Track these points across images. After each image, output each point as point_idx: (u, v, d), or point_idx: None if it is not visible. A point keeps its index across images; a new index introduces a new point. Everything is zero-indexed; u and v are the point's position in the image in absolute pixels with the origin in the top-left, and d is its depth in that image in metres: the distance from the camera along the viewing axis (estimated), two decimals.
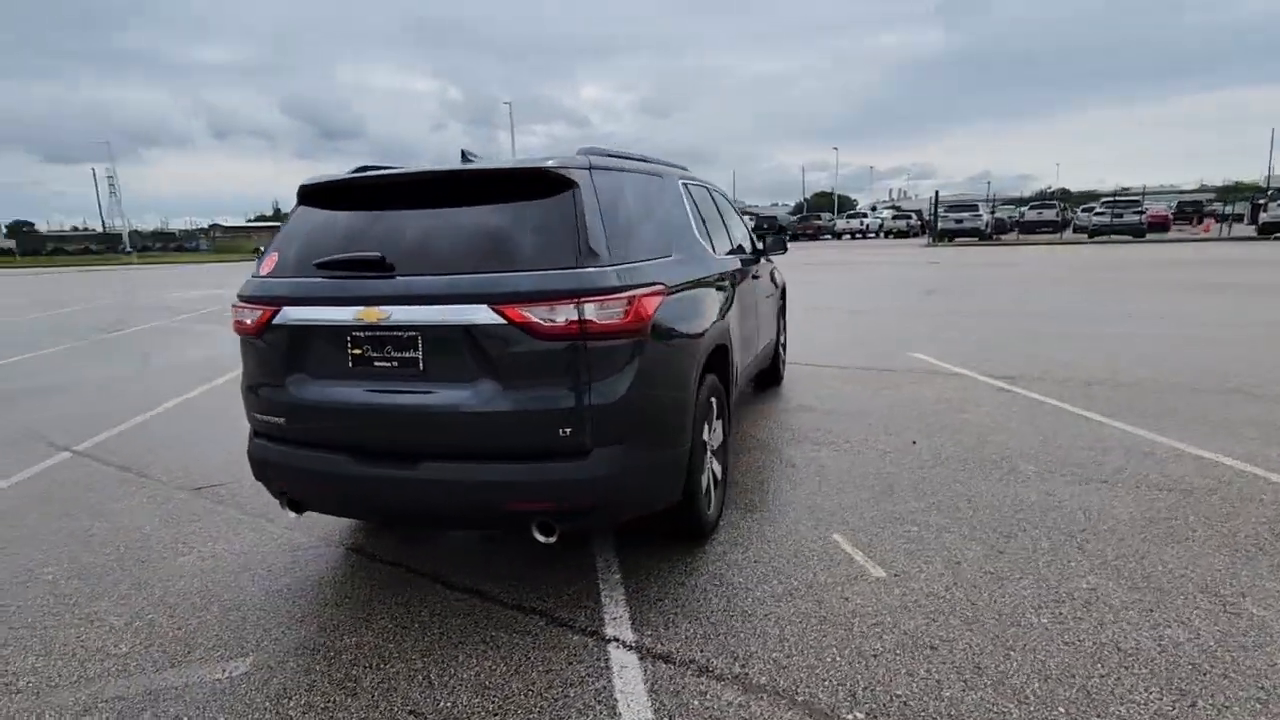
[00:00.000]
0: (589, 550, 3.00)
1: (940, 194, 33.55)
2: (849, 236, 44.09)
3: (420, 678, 2.23)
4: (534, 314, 2.23)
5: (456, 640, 2.43)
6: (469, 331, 2.29)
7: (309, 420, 2.52)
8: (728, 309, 3.37)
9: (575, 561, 2.91)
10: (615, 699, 2.10)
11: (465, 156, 3.06)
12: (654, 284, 2.53)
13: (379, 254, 2.40)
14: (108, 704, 2.17)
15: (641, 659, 2.29)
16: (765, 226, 33.93)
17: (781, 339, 5.66)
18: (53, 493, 3.98)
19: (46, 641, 2.52)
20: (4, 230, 77.16)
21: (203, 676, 2.28)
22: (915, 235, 40.28)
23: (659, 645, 2.36)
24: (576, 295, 2.25)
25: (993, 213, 34.60)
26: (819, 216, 53.79)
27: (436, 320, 2.31)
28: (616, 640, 2.40)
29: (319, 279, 2.47)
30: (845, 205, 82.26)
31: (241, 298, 2.63)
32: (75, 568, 3.06)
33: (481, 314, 2.26)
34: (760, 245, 4.86)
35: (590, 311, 2.26)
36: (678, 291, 2.73)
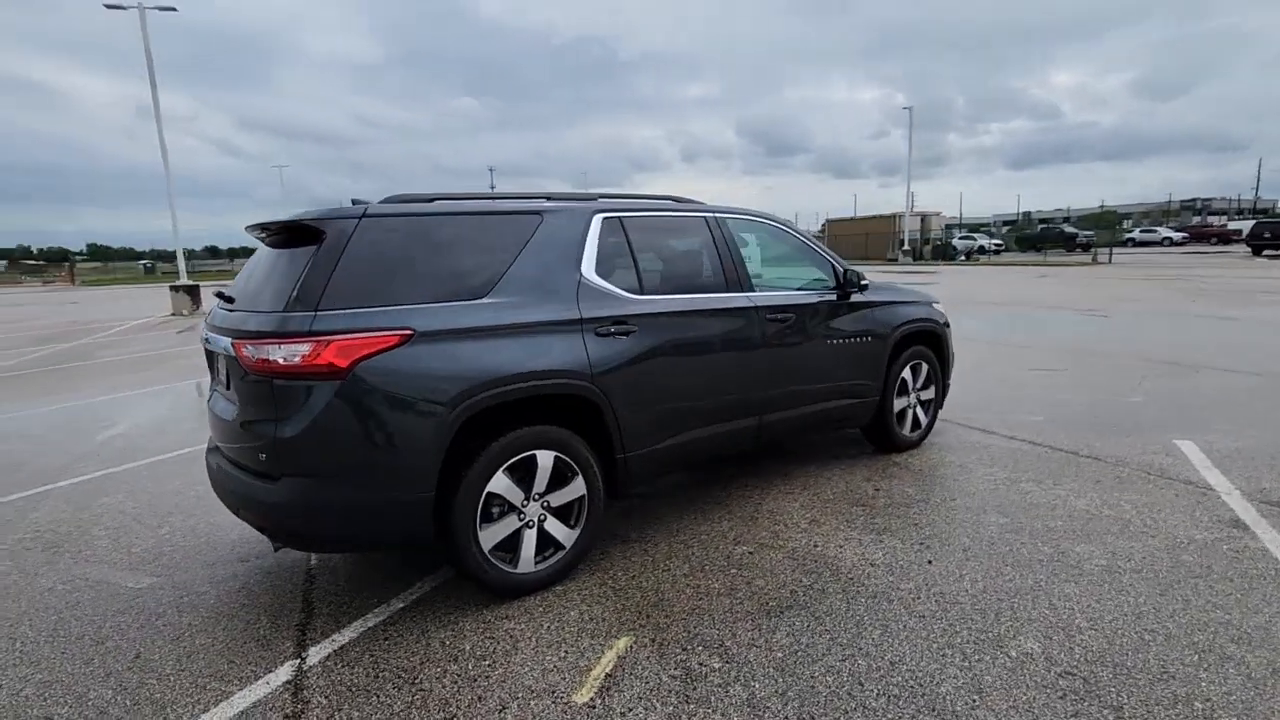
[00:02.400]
0: None
1: None
2: None
3: None
4: (244, 350, 2.58)
5: None
6: (227, 359, 2.77)
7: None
8: (629, 353, 3.17)
9: None
10: None
11: (354, 203, 3.24)
12: (379, 330, 2.59)
13: (225, 290, 3.02)
14: None
15: None
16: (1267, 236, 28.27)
17: (915, 396, 4.75)
18: None
19: None
20: None
21: None
22: None
23: None
24: (267, 337, 2.53)
25: None
26: None
27: (221, 349, 2.80)
28: None
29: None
30: None
31: None
32: None
33: (226, 345, 2.70)
34: (855, 281, 4.26)
35: (276, 352, 2.52)
36: (445, 339, 2.71)
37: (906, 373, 4.69)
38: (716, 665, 2.44)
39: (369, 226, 2.74)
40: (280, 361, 2.49)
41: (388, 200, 2.95)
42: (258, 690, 2.41)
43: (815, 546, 3.35)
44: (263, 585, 3.18)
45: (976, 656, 2.44)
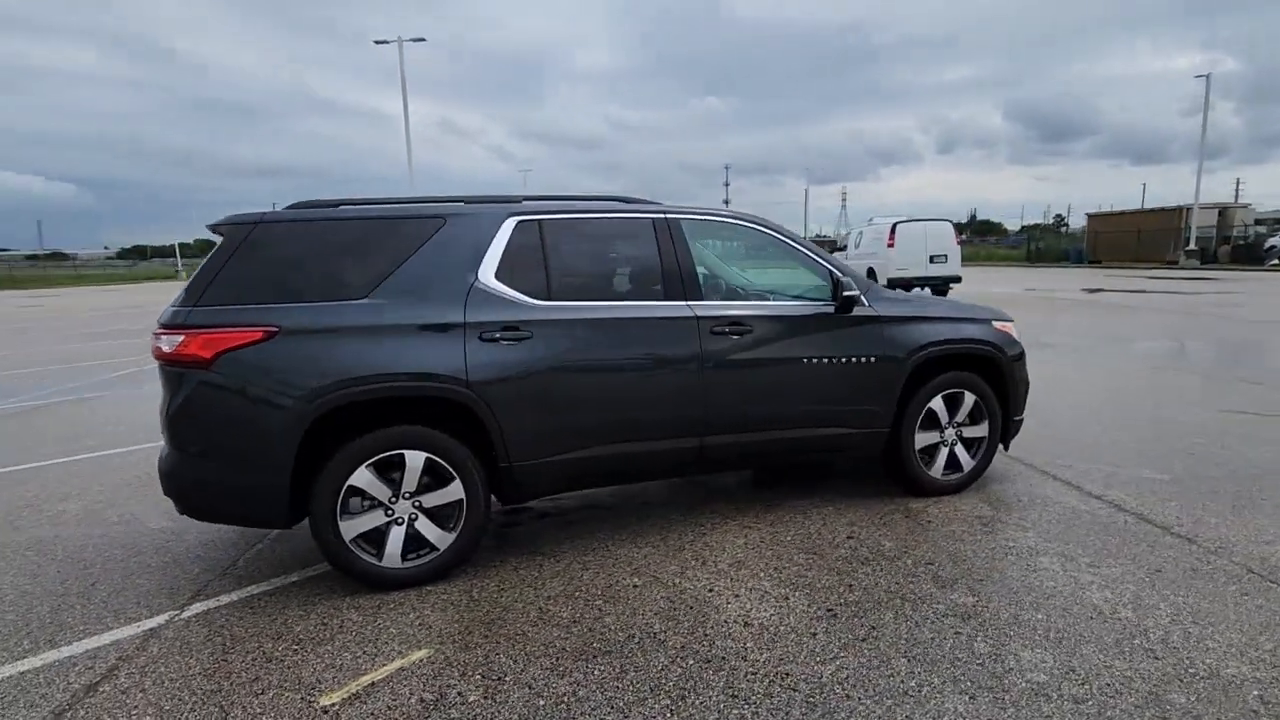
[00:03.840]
0: None
1: None
2: None
3: None
4: (152, 337, 2.94)
5: None
6: None
7: None
8: (520, 360, 3.10)
9: None
10: None
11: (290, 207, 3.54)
12: (242, 326, 2.82)
13: None
14: None
15: None
16: None
17: (954, 432, 3.96)
18: None
19: None
20: None
21: None
22: None
23: None
24: (161, 327, 2.88)
25: None
26: None
27: None
28: None
29: None
30: None
31: None
32: None
33: None
34: (852, 292, 3.62)
35: (162, 341, 2.85)
36: (309, 337, 2.88)
37: (938, 403, 3.90)
38: (474, 698, 2.30)
39: (263, 231, 3.00)
40: (165, 349, 2.84)
41: (295, 206, 3.19)
42: (126, 630, 2.80)
43: (708, 591, 2.97)
44: (210, 540, 3.64)
45: None
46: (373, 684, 2.40)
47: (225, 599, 3.04)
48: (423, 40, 21.40)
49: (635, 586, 3.04)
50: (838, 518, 3.74)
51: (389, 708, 2.27)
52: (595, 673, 2.42)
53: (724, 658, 2.49)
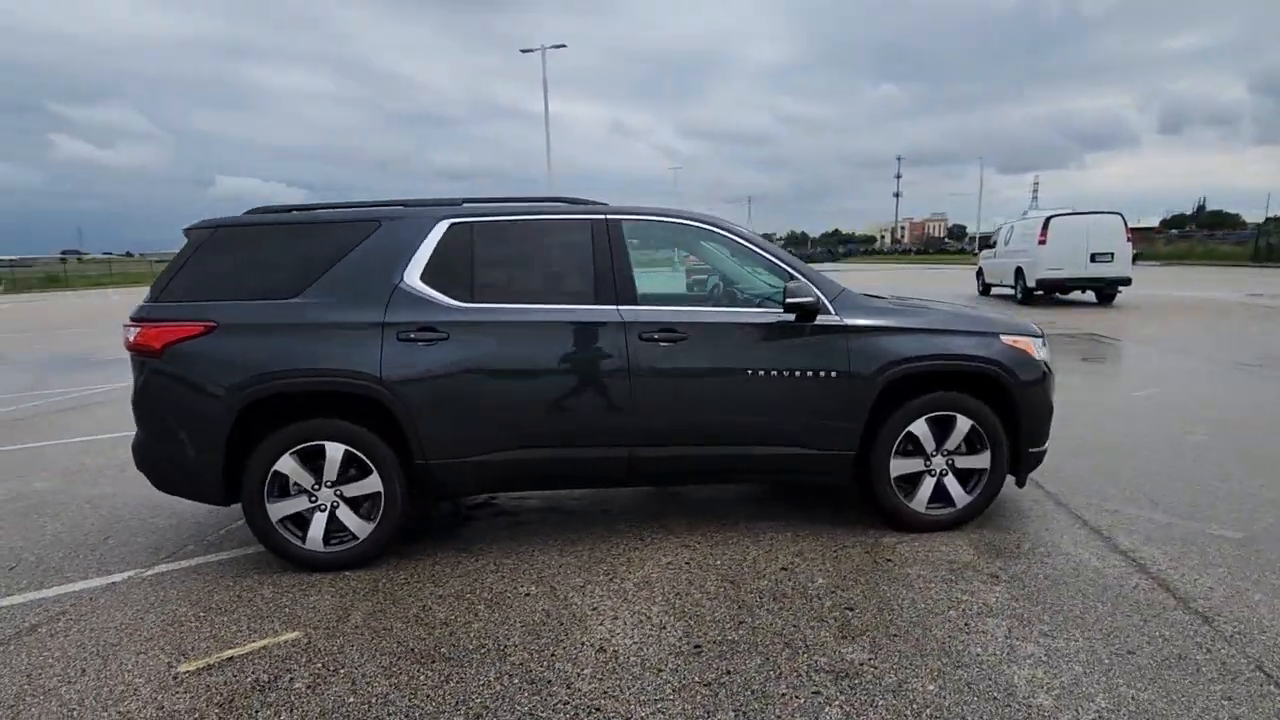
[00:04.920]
0: None
1: None
2: None
3: None
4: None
5: None
6: None
7: None
8: (436, 360, 3.17)
9: None
10: None
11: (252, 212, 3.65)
12: (185, 321, 3.12)
13: None
14: None
15: None
16: None
17: (943, 460, 3.47)
18: None
19: None
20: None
21: None
22: None
23: None
24: (130, 320, 3.23)
25: None
26: None
27: None
28: None
29: None
30: None
31: None
32: None
33: None
34: (815, 299, 3.31)
35: (128, 332, 3.22)
36: (243, 332, 3.13)
37: (921, 427, 3.42)
38: (298, 686, 2.39)
39: (220, 235, 3.31)
40: (129, 339, 3.23)
41: (252, 211, 3.47)
42: (94, 582, 3.23)
43: (591, 609, 2.84)
44: (215, 509, 4.07)
45: None
46: (230, 658, 2.58)
47: (185, 564, 3.41)
48: (563, 46, 22.49)
49: (527, 595, 2.99)
50: (788, 545, 3.41)
51: (225, 683, 2.43)
52: (420, 678, 2.42)
53: (550, 681, 2.37)
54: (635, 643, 2.60)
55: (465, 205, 3.47)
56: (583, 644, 2.60)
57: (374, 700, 2.31)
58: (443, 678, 2.42)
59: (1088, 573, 3.03)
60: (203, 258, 3.28)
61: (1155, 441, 4.93)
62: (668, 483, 3.76)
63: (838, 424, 3.38)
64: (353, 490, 3.24)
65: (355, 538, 3.26)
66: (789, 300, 3.25)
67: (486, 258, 3.37)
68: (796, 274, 3.43)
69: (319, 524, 3.23)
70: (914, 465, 3.48)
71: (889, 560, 3.22)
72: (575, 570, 3.22)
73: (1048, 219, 14.50)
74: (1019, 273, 15.42)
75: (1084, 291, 15.28)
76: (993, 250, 17.80)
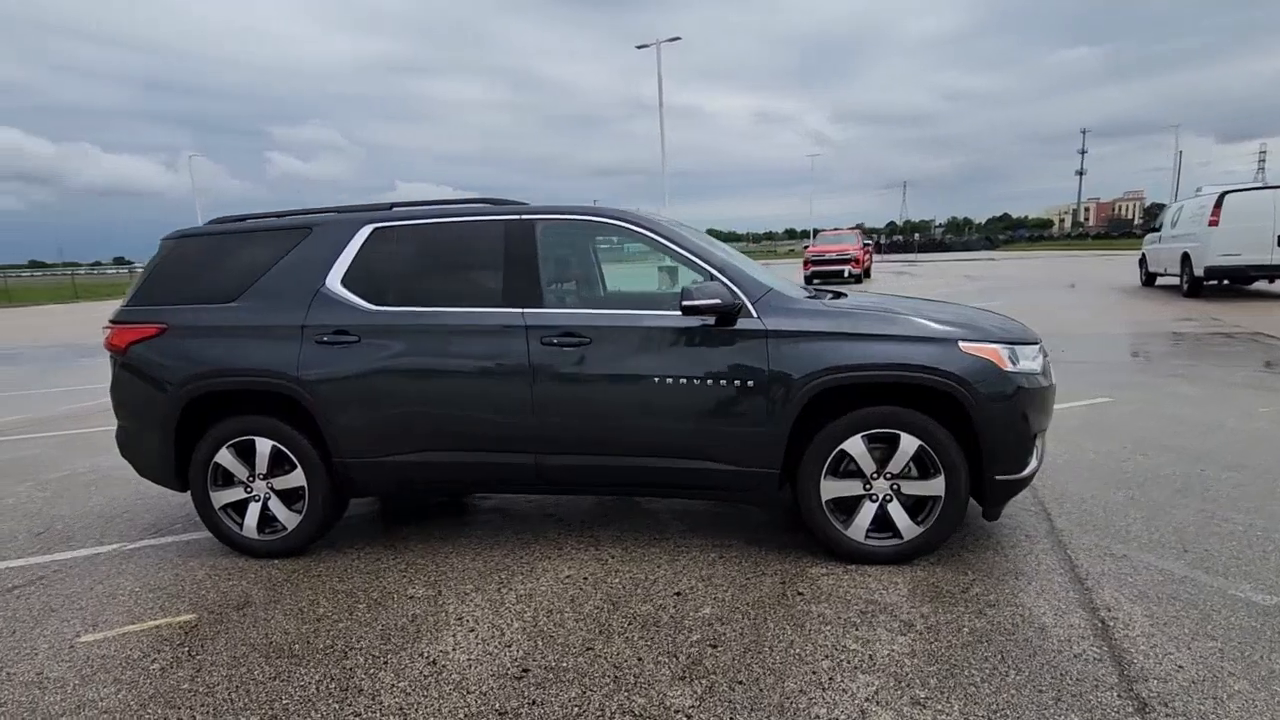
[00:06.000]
0: None
1: None
2: None
3: None
4: None
5: None
6: None
7: None
8: (348, 362, 3.27)
9: None
10: None
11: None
12: (141, 323, 3.45)
13: None
14: None
15: None
16: None
17: (887, 485, 3.05)
18: None
19: None
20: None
21: None
22: None
23: None
24: (108, 322, 3.61)
25: None
26: None
27: None
28: None
29: None
30: None
31: None
32: None
33: None
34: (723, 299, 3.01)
35: (105, 333, 3.60)
36: (188, 334, 3.40)
37: (856, 445, 3.01)
38: (155, 668, 2.56)
39: (180, 244, 3.62)
40: (106, 339, 3.62)
41: (212, 222, 3.74)
42: (83, 551, 3.68)
43: (457, 619, 2.79)
44: None
45: None
46: (125, 633, 2.82)
47: (163, 540, 3.79)
48: (677, 39, 22.31)
49: (410, 599, 3.00)
50: (703, 567, 3.14)
51: (105, 656, 2.65)
52: (257, 673, 2.50)
53: (361, 691, 2.35)
54: (469, 659, 2.51)
55: (394, 210, 3.53)
56: (419, 655, 2.56)
57: (201, 689, 2.41)
58: (275, 675, 2.48)
59: (1027, 631, 2.51)
60: (166, 265, 3.60)
61: (1254, 478, 3.99)
62: (582, 491, 3.62)
63: (756, 439, 3.05)
64: (281, 484, 3.42)
65: (284, 528, 3.44)
66: (684, 303, 2.98)
67: (403, 262, 3.41)
68: (716, 272, 3.14)
69: (254, 513, 3.45)
70: (851, 488, 3.07)
71: (799, 594, 2.87)
72: (474, 576, 3.18)
73: (1221, 195, 12.23)
74: (1185, 259, 13.17)
75: (1271, 280, 12.77)
76: (1158, 234, 15.36)
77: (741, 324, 3.06)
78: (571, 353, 3.14)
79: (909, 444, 2.98)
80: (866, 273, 24.31)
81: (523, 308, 3.22)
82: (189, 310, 3.48)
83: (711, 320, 3.07)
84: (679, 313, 3.12)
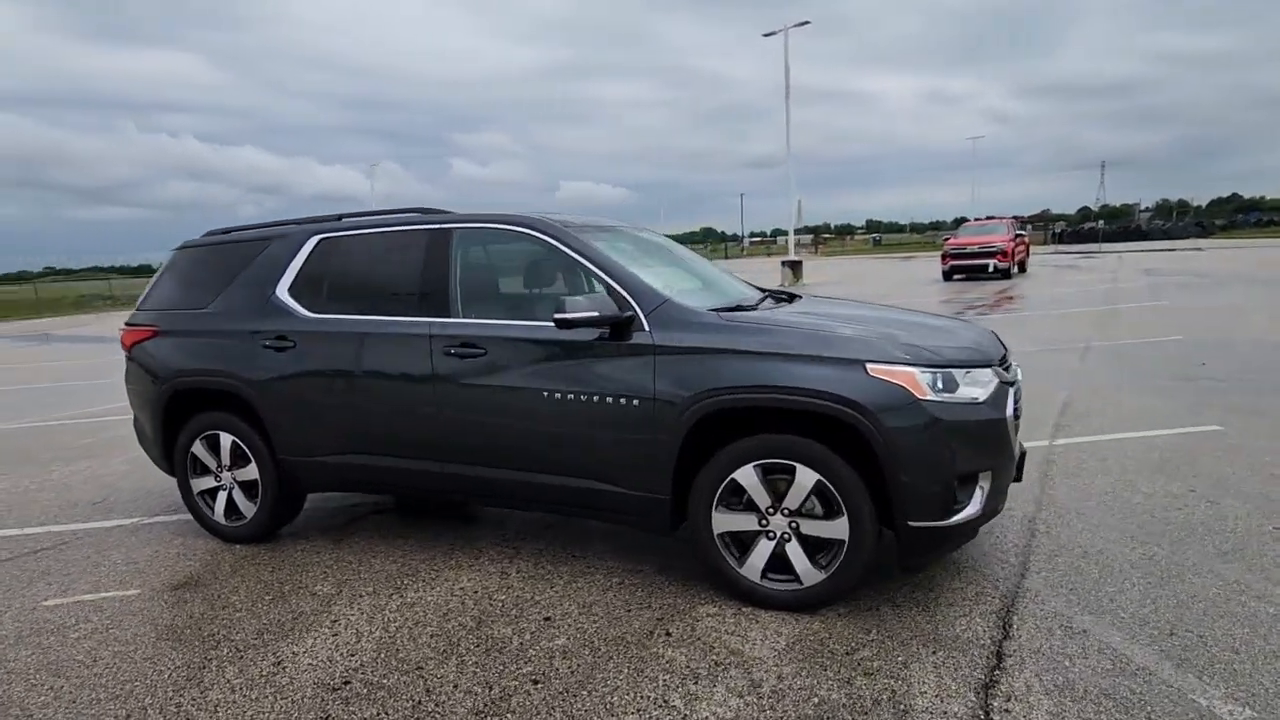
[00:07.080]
0: None
1: None
2: None
3: None
4: None
5: None
6: None
7: None
8: (285, 366, 3.47)
9: None
10: None
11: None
12: (139, 326, 3.88)
13: None
14: None
15: None
16: None
17: (786, 522, 2.72)
18: None
19: None
20: None
21: None
22: None
23: None
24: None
25: None
26: None
27: None
28: None
29: None
30: None
31: None
32: None
33: None
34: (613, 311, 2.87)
35: (120, 334, 4.05)
36: (172, 336, 3.78)
37: (748, 476, 2.70)
38: (76, 636, 2.87)
39: (180, 254, 4.03)
40: (120, 339, 4.10)
41: (208, 234, 4.10)
42: (109, 523, 4.22)
43: (333, 620, 2.87)
44: None
45: None
46: (81, 601, 3.20)
47: (168, 518, 4.24)
48: (806, 23, 21.14)
49: (313, 595, 3.13)
50: (595, 594, 2.98)
51: (50, 620, 3.02)
52: (138, 652, 2.72)
53: (199, 684, 2.49)
54: (310, 664, 2.57)
55: (343, 220, 3.69)
56: (273, 654, 2.66)
57: (88, 661, 2.67)
58: (150, 657, 2.69)
59: (884, 714, 2.11)
60: (166, 273, 4.03)
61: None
62: (484, 503, 3.59)
63: (641, 462, 2.84)
64: (242, 476, 3.71)
65: (244, 517, 3.73)
66: (556, 315, 2.82)
67: (339, 270, 3.56)
68: (613, 282, 2.95)
69: (222, 501, 3.78)
70: (746, 522, 2.76)
71: (667, 635, 2.63)
72: (381, 579, 3.26)
73: None
74: None
75: None
76: None
77: (635, 338, 2.86)
78: (468, 363, 3.11)
79: (806, 477, 2.62)
80: (1021, 266, 21.78)
81: (432, 317, 3.24)
82: (173, 314, 3.87)
83: (605, 333, 2.90)
84: (542, 320, 3.01)
